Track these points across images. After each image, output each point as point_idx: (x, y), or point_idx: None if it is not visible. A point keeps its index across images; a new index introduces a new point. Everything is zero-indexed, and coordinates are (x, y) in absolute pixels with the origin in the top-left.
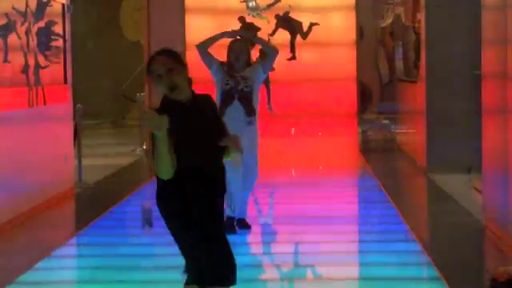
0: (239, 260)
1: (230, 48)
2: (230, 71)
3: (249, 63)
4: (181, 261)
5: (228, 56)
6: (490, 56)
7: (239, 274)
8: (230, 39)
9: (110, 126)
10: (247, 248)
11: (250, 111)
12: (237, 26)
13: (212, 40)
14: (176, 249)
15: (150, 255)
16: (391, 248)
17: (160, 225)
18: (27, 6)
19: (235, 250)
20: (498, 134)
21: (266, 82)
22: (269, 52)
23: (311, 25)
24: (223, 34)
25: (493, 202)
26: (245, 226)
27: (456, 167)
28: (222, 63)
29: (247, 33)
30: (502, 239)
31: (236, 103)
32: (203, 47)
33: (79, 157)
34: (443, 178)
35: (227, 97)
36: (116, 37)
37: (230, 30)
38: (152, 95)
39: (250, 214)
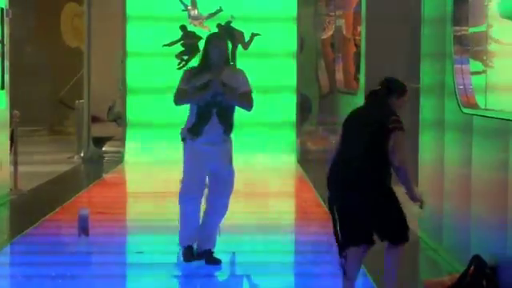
0: (177, 269)
1: (210, 43)
2: (204, 73)
3: (228, 61)
4: (117, 270)
5: (206, 53)
6: (428, 69)
7: (179, 281)
8: (208, 35)
9: (47, 132)
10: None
11: (228, 128)
12: (178, 34)
13: (191, 99)
14: (111, 258)
15: (86, 263)
16: (326, 259)
17: (96, 233)
18: None
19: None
20: (434, 146)
21: None
22: (241, 106)
23: (253, 35)
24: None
25: (428, 213)
26: (212, 260)
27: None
28: (188, 74)
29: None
30: (436, 251)
31: (214, 120)
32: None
33: (15, 164)
34: None
35: (204, 113)
36: (56, 42)
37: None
38: (91, 102)
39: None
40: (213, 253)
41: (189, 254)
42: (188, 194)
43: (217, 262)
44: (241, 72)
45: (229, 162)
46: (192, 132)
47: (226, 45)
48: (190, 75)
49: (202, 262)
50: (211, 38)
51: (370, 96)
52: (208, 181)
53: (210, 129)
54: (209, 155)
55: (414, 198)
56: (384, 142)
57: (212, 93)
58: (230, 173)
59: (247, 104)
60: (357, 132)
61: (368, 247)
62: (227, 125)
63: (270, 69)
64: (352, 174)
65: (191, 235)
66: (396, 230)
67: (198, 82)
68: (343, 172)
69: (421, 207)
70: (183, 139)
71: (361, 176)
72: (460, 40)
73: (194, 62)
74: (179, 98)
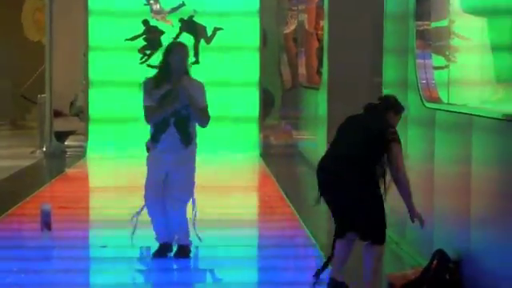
0: (140, 263)
1: (170, 51)
2: (164, 82)
3: (187, 71)
4: (80, 264)
5: (167, 61)
6: (391, 64)
7: (143, 276)
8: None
9: (9, 127)
10: (147, 251)
11: (186, 139)
12: (140, 28)
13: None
14: (75, 252)
15: (49, 258)
16: (290, 253)
17: (58, 227)
18: None
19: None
20: None
21: None
22: (199, 120)
23: (215, 29)
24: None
25: (390, 208)
26: (183, 253)
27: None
28: (148, 84)
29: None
30: (399, 244)
31: (172, 129)
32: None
33: None
34: None
35: (162, 122)
36: (17, 37)
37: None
38: (53, 97)
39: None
40: (188, 247)
41: (162, 250)
42: (149, 199)
43: (185, 256)
44: (200, 84)
45: (188, 166)
46: (152, 139)
47: (187, 53)
48: (150, 87)
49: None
50: (172, 46)
51: (369, 108)
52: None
53: (168, 137)
54: (167, 162)
55: (412, 214)
56: (379, 149)
57: (180, 104)
58: (187, 176)
59: (206, 120)
60: (354, 133)
61: (353, 239)
62: (184, 134)
63: (233, 63)
64: (343, 170)
65: (163, 234)
66: (371, 230)
67: (159, 93)
68: (334, 166)
69: (421, 225)
70: (148, 149)
71: (350, 173)
72: (422, 35)
73: (156, 58)
74: (150, 117)
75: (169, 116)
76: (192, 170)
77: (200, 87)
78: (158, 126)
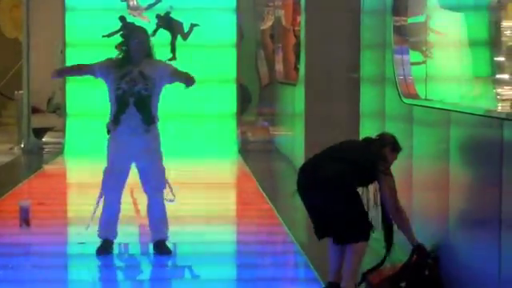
0: (118, 260)
1: (130, 35)
2: (125, 64)
3: (150, 54)
4: (59, 260)
5: (126, 44)
6: (368, 60)
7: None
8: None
9: None
10: (125, 247)
11: (147, 119)
12: (117, 25)
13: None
14: (53, 248)
15: (28, 254)
16: (268, 249)
17: (37, 224)
18: None
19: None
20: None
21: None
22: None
23: (192, 25)
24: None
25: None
26: (163, 250)
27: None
28: (108, 61)
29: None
30: (378, 240)
31: (132, 109)
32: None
33: None
34: None
35: (121, 102)
36: None
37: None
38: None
39: (127, 214)
40: (164, 242)
41: (104, 247)
42: (108, 185)
43: (167, 251)
44: (160, 61)
45: (153, 153)
46: (113, 121)
47: (146, 37)
48: (109, 63)
49: (142, 253)
50: (132, 31)
51: (368, 140)
52: (138, 174)
53: (128, 118)
54: (129, 145)
55: (411, 241)
56: (366, 175)
57: (130, 82)
58: (155, 163)
59: (186, 77)
60: (348, 146)
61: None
62: (145, 114)
63: (210, 59)
64: (328, 171)
65: (108, 228)
66: (345, 232)
67: (118, 73)
68: (319, 167)
69: (419, 255)
70: (108, 131)
71: (335, 176)
72: (400, 30)
73: None
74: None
75: (128, 96)
76: (158, 155)
77: (162, 66)
78: (117, 106)
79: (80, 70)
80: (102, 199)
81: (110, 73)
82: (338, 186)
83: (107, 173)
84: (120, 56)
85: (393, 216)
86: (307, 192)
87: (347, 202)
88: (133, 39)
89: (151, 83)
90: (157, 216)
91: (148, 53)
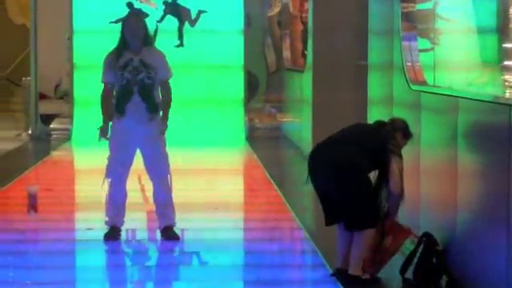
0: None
1: (125, 24)
2: (123, 52)
3: (149, 41)
4: (67, 246)
5: (122, 33)
6: (376, 46)
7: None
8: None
9: None
10: (133, 233)
11: (152, 107)
12: (125, 11)
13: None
14: (61, 234)
15: (36, 240)
16: (276, 236)
17: (45, 210)
18: None
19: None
20: None
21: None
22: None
23: (199, 12)
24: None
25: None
26: (171, 235)
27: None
28: (108, 61)
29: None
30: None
31: (136, 98)
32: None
33: None
34: None
35: (125, 91)
36: (1, 19)
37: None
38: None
39: (134, 201)
40: (172, 228)
41: (111, 233)
42: (112, 172)
43: (174, 237)
44: (161, 54)
45: (157, 140)
46: (117, 110)
47: (142, 23)
48: (110, 61)
49: (150, 239)
50: (127, 17)
51: (379, 123)
52: (142, 161)
53: (133, 107)
54: (133, 133)
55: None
56: (380, 155)
57: (133, 71)
58: (158, 149)
59: (167, 94)
60: (359, 130)
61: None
62: (149, 102)
63: (218, 46)
64: (339, 155)
65: (115, 215)
66: (356, 219)
67: (120, 63)
68: (330, 151)
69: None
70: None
71: (346, 159)
72: (408, 17)
73: None
74: (103, 97)
75: (132, 85)
76: (162, 142)
77: (161, 57)
78: (121, 95)
79: (108, 97)
80: (107, 185)
81: (112, 66)
82: (349, 169)
83: (110, 161)
84: (117, 45)
85: (390, 193)
86: (318, 176)
87: (358, 185)
88: (126, 27)
89: (153, 72)
90: (162, 202)
91: (145, 39)
